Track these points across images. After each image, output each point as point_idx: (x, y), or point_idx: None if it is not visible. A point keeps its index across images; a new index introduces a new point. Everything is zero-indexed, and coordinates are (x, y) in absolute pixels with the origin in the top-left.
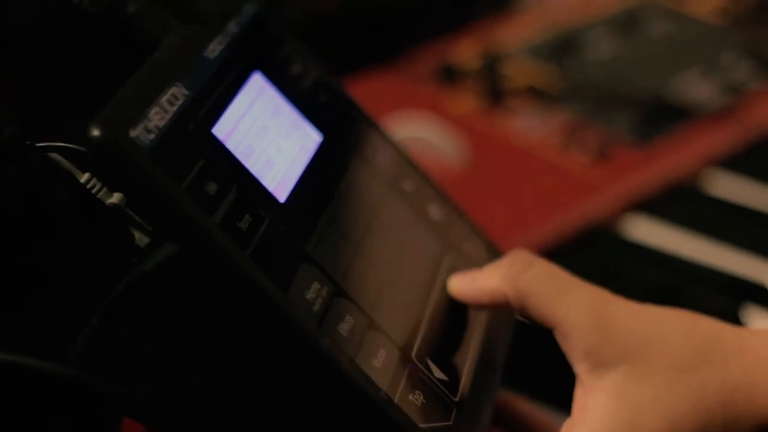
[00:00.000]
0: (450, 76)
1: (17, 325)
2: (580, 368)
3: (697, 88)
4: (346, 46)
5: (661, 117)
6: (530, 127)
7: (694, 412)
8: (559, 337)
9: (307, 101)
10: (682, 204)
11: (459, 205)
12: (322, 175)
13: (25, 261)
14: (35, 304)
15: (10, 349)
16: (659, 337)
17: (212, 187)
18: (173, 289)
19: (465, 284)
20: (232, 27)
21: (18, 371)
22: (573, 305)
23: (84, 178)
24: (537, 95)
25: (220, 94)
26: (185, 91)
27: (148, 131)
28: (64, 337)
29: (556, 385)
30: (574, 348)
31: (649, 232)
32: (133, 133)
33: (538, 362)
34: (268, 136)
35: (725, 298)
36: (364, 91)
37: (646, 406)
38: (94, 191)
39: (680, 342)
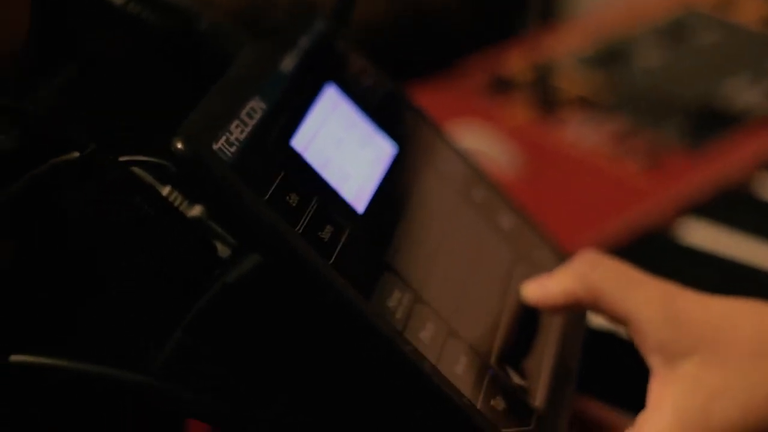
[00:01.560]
0: (502, 87)
1: (102, 337)
2: (653, 361)
3: (744, 94)
4: (396, 58)
5: (711, 123)
6: (582, 136)
7: (766, 399)
8: (631, 332)
9: (379, 113)
10: (735, 207)
11: (528, 213)
12: (397, 186)
13: (107, 275)
14: (119, 317)
15: (95, 361)
16: (730, 326)
17: (294, 199)
18: (257, 300)
19: (537, 290)
20: (304, 42)
21: (103, 382)
22: (643, 300)
23: (165, 191)
24: (588, 105)
25: (296, 107)
26: (263, 105)
27: (230, 144)
28: (148, 349)
29: (628, 393)
30: (647, 342)
31: (704, 236)
32: (215, 146)
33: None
34: (343, 148)
35: None
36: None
37: (720, 393)
38: (175, 204)
39: (751, 330)
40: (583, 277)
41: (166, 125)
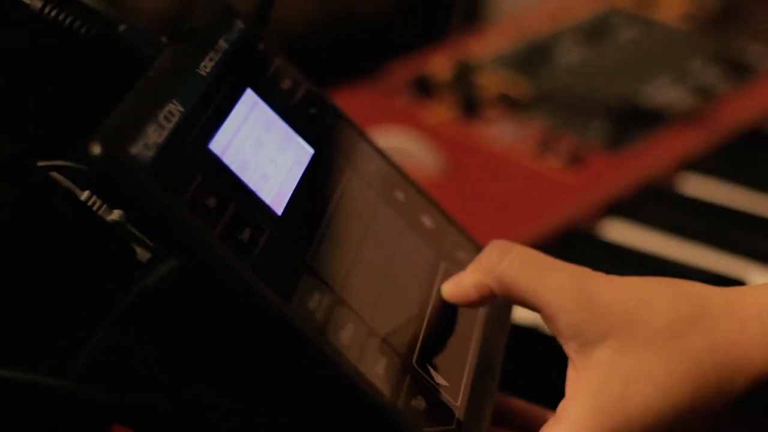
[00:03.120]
0: (424, 87)
1: (19, 342)
2: (568, 348)
3: (667, 93)
4: (321, 61)
5: (633, 122)
6: (504, 135)
7: (686, 378)
8: (545, 320)
9: (297, 115)
10: (657, 205)
11: (449, 213)
12: (317, 187)
13: (26, 279)
14: (37, 322)
15: (12, 366)
16: (644, 306)
17: (212, 202)
18: (176, 302)
19: (454, 286)
20: (223, 44)
21: (20, 388)
22: (554, 285)
23: (84, 196)
24: (510, 104)
25: (215, 110)
26: (181, 108)
27: (147, 148)
28: (67, 353)
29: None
30: (561, 328)
31: (626, 234)
32: (133, 150)
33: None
34: (262, 150)
35: None
36: (339, 105)
37: (637, 377)
38: (94, 209)
39: (666, 309)
40: (492, 268)
41: (86, 129)
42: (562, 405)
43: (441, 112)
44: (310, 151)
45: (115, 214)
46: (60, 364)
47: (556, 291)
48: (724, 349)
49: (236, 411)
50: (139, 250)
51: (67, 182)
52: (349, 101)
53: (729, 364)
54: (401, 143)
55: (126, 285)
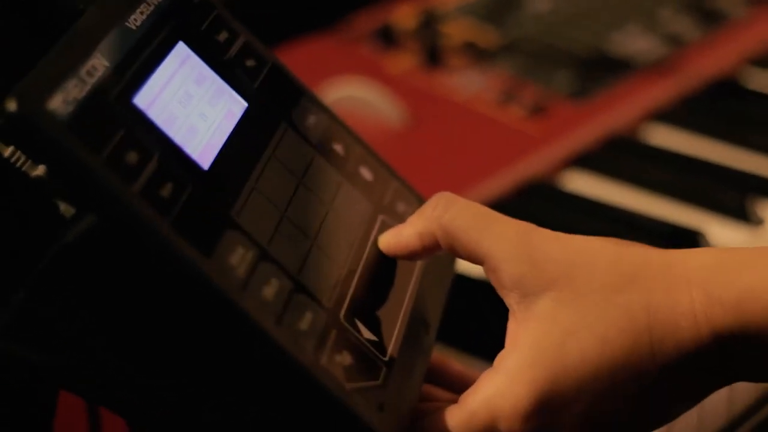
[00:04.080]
0: (388, 37)
1: None
2: (510, 299)
3: (636, 41)
4: (285, 11)
5: (600, 71)
6: (469, 84)
7: (622, 333)
8: (487, 271)
9: (232, 68)
10: (621, 156)
11: (392, 165)
12: (248, 141)
13: None
14: None
15: None
16: (586, 262)
17: (132, 157)
18: (96, 259)
19: (392, 237)
20: None
21: None
22: (498, 237)
23: (8, 152)
24: (475, 52)
25: (142, 64)
26: (105, 63)
27: (66, 103)
28: None
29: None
30: (503, 280)
31: (589, 185)
32: (50, 106)
33: (474, 318)
34: (192, 104)
35: (662, 246)
36: (304, 55)
37: (576, 328)
38: (18, 164)
39: (607, 266)
40: (438, 218)
41: (6, 86)
42: (501, 355)
43: (404, 62)
44: (244, 104)
45: (40, 170)
46: None
47: (500, 242)
48: (656, 310)
49: (163, 373)
50: (63, 206)
51: None
52: (312, 51)
53: (659, 326)
54: (362, 93)
55: (50, 242)
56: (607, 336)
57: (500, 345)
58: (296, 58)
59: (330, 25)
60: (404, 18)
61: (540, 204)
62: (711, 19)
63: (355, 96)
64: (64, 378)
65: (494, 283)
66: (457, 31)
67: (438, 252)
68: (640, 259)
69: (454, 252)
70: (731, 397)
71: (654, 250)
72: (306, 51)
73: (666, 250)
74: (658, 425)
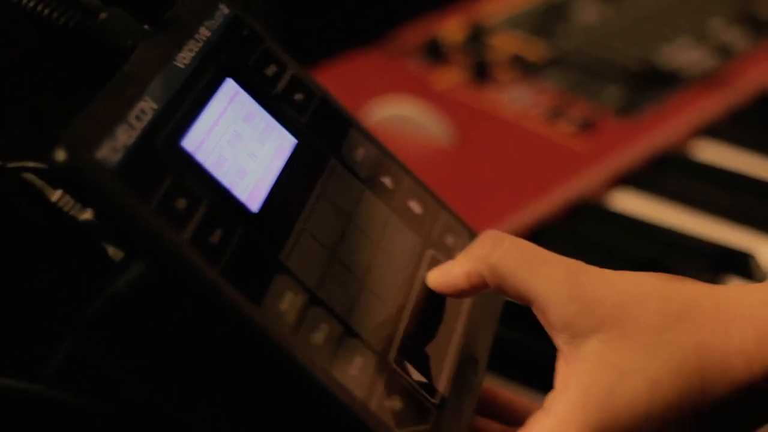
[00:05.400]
0: (435, 51)
1: None
2: (559, 340)
3: (686, 54)
4: (332, 26)
5: (650, 85)
6: (517, 99)
7: (673, 374)
8: (537, 312)
9: (281, 104)
10: (670, 174)
11: (439, 183)
12: (297, 180)
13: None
14: (9, 326)
15: None
16: (635, 301)
17: (181, 204)
18: (147, 307)
19: (440, 275)
20: (204, 32)
21: None
22: (547, 277)
23: (56, 196)
24: (523, 66)
25: (191, 105)
26: (153, 105)
27: (115, 151)
28: (40, 356)
29: (542, 372)
30: (552, 320)
31: (637, 204)
32: (99, 155)
33: (522, 347)
34: (241, 143)
35: (711, 268)
36: (350, 71)
37: (626, 370)
38: (66, 209)
39: (656, 304)
40: (486, 257)
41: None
42: (551, 397)
43: (452, 77)
44: (294, 141)
45: (88, 214)
46: (34, 369)
47: (549, 282)
48: (707, 349)
49: (209, 418)
50: (112, 250)
51: (39, 182)
52: (359, 67)
53: (711, 365)
54: (409, 112)
55: (98, 286)
56: (658, 378)
57: (544, 370)
58: (342, 74)
59: (377, 39)
60: (451, 31)
61: (588, 224)
62: (763, 29)
63: (401, 115)
64: (108, 424)
65: (543, 324)
66: (504, 45)
67: (486, 290)
68: (689, 297)
69: (503, 292)
70: None
71: (704, 286)
72: (352, 67)
73: (716, 286)
74: None
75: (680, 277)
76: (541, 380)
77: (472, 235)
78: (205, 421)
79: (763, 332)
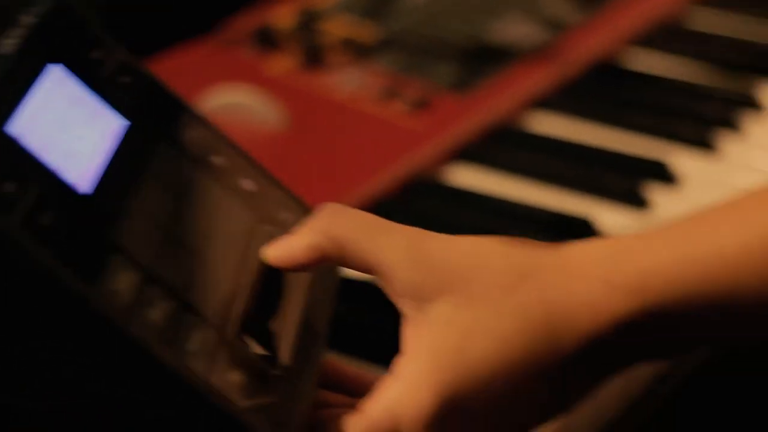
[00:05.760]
0: (267, 39)
1: None
2: (405, 306)
3: (516, 28)
4: (161, 16)
5: (482, 61)
6: (349, 82)
7: (520, 331)
8: (381, 281)
9: (109, 88)
10: (504, 147)
11: (274, 174)
12: (129, 161)
13: None
14: None
15: None
16: (479, 263)
17: (9, 187)
18: None
19: (279, 249)
20: (28, 19)
21: None
22: (389, 245)
23: None
24: (355, 49)
25: (15, 90)
26: None
27: None
28: None
29: (385, 346)
30: (397, 287)
31: (473, 178)
32: None
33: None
34: (69, 127)
35: (550, 235)
36: (181, 63)
37: (473, 330)
38: None
39: (500, 265)
40: (327, 229)
41: None
42: (399, 361)
43: (284, 63)
44: (124, 123)
45: None
46: None
47: (392, 250)
48: (551, 305)
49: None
50: None
51: None
52: (190, 58)
53: (557, 320)
54: (241, 99)
55: None
56: (506, 336)
57: (388, 346)
58: (174, 66)
59: (208, 30)
60: (283, 18)
61: (425, 200)
62: (593, 1)
63: (234, 102)
64: None
65: (387, 292)
66: (336, 29)
67: (328, 263)
68: (532, 255)
69: (345, 263)
70: (627, 382)
71: (546, 244)
72: (184, 58)
73: (558, 244)
74: (561, 414)
75: (523, 238)
76: (381, 355)
77: (307, 210)
78: (50, 409)
79: (610, 283)
